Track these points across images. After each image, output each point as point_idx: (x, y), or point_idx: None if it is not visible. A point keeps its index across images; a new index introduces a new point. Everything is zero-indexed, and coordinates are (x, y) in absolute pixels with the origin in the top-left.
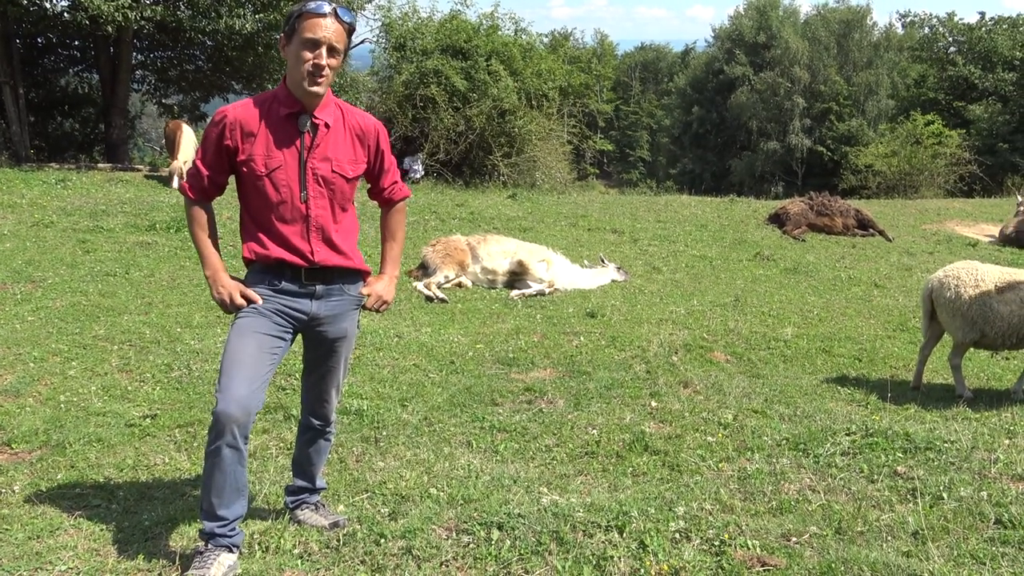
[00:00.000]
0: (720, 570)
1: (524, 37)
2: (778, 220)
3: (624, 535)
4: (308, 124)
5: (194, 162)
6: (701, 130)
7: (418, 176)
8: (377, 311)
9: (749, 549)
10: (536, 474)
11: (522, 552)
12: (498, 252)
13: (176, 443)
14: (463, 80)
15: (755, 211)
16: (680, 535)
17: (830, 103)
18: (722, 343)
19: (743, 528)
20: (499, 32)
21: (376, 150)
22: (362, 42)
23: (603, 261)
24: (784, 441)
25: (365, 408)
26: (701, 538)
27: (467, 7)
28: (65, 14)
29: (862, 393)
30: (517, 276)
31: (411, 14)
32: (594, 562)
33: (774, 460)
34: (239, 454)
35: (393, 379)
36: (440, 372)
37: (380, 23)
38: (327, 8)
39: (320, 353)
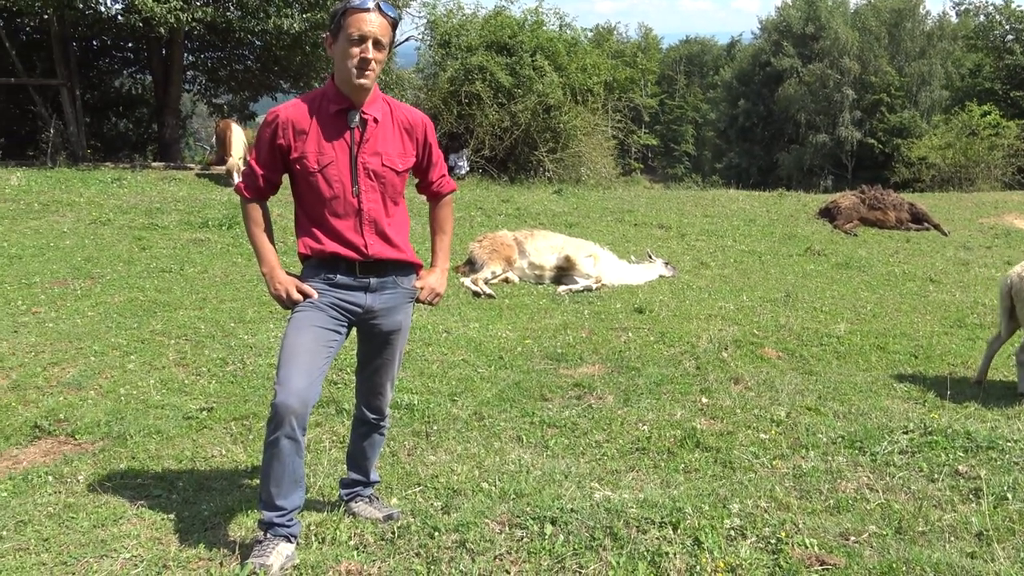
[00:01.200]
0: (778, 568)
1: (569, 32)
2: (829, 214)
3: (678, 532)
4: (357, 119)
5: (248, 162)
6: (747, 123)
7: (463, 172)
8: (430, 304)
9: (807, 548)
10: (587, 469)
11: (576, 547)
12: (545, 247)
13: (232, 435)
14: (508, 76)
15: (804, 205)
16: (735, 532)
17: (881, 94)
18: (773, 339)
19: (800, 526)
20: (544, 27)
21: (424, 143)
22: (407, 39)
23: (650, 256)
24: (839, 439)
25: (415, 403)
26: (757, 536)
27: (511, 3)
28: (119, 17)
29: (919, 391)
30: (564, 271)
31: (456, 11)
32: (649, 558)
33: (829, 458)
34: (297, 445)
35: (442, 374)
36: (489, 367)
37: (425, 20)
38: (371, 3)
39: (374, 346)
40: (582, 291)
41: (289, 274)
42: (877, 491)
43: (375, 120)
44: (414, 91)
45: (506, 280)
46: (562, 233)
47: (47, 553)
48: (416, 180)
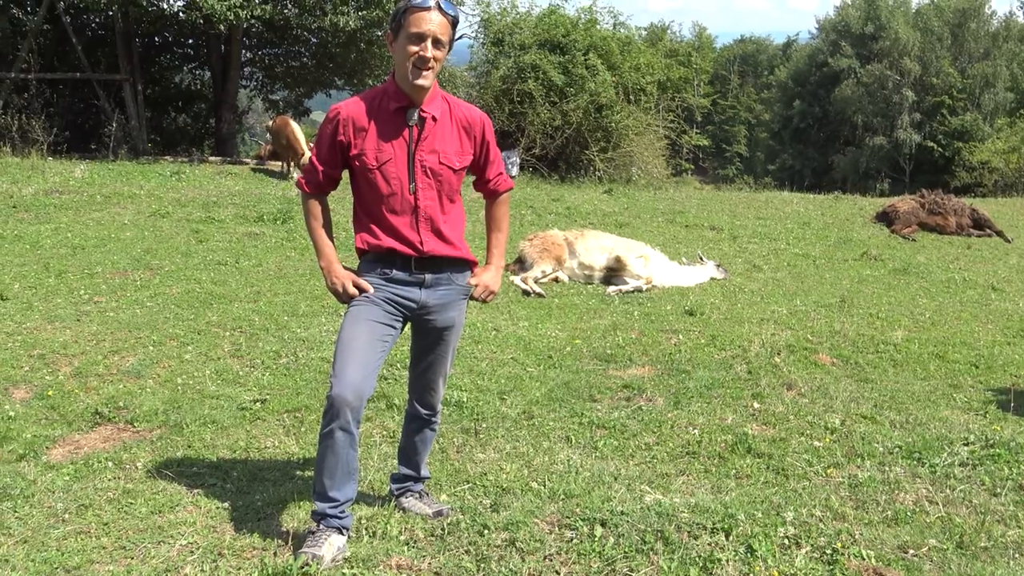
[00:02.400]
0: None
1: (623, 31)
2: (886, 218)
3: (731, 538)
4: (416, 117)
5: (311, 159)
6: (802, 125)
7: (514, 171)
8: (484, 301)
9: (863, 559)
10: (636, 472)
11: (626, 550)
12: (595, 247)
13: (285, 427)
14: (560, 75)
15: (861, 209)
16: (790, 541)
17: (942, 96)
18: (827, 345)
19: (856, 537)
20: (597, 26)
21: (482, 142)
22: (461, 37)
23: (702, 258)
24: (897, 449)
25: (465, 400)
26: (812, 545)
27: (565, 1)
28: (181, 13)
29: (980, 402)
30: (614, 272)
31: (510, 9)
32: (700, 564)
33: (886, 468)
34: (351, 437)
35: (492, 372)
36: (538, 366)
37: (479, 18)
38: (431, 2)
39: (428, 342)
40: (632, 292)
41: (346, 268)
42: (937, 504)
43: (433, 118)
44: (466, 88)
45: (556, 279)
46: (612, 233)
47: (107, 537)
48: (473, 177)
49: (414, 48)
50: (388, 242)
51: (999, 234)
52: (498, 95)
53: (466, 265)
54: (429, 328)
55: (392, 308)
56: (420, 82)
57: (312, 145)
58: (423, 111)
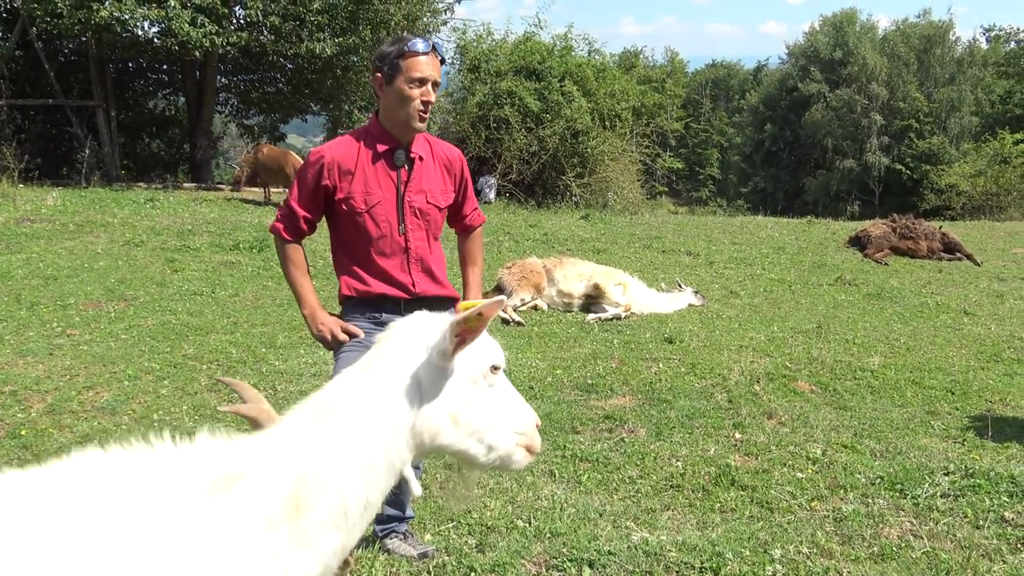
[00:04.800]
0: None
1: (597, 58)
2: (859, 243)
3: None
4: (404, 159)
5: (287, 203)
6: (774, 148)
7: (491, 195)
8: None
9: None
10: (621, 507)
11: None
12: (574, 275)
13: None
14: (536, 101)
15: (834, 233)
16: None
17: (909, 120)
18: (805, 372)
19: (844, 575)
20: (573, 53)
21: (461, 179)
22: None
23: (680, 285)
24: (879, 480)
25: None
26: None
27: (541, 28)
28: (156, 40)
29: (957, 429)
30: (593, 299)
31: (485, 36)
32: None
33: (870, 500)
34: None
35: None
36: None
37: (455, 45)
38: (427, 46)
39: None
40: (611, 319)
41: (331, 314)
42: (922, 538)
43: (420, 158)
44: (443, 115)
45: (535, 307)
46: (590, 260)
47: None
48: (449, 213)
49: (416, 92)
50: (378, 287)
51: (969, 257)
52: (474, 121)
53: (451, 303)
54: None
55: None
56: (420, 125)
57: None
58: (411, 152)
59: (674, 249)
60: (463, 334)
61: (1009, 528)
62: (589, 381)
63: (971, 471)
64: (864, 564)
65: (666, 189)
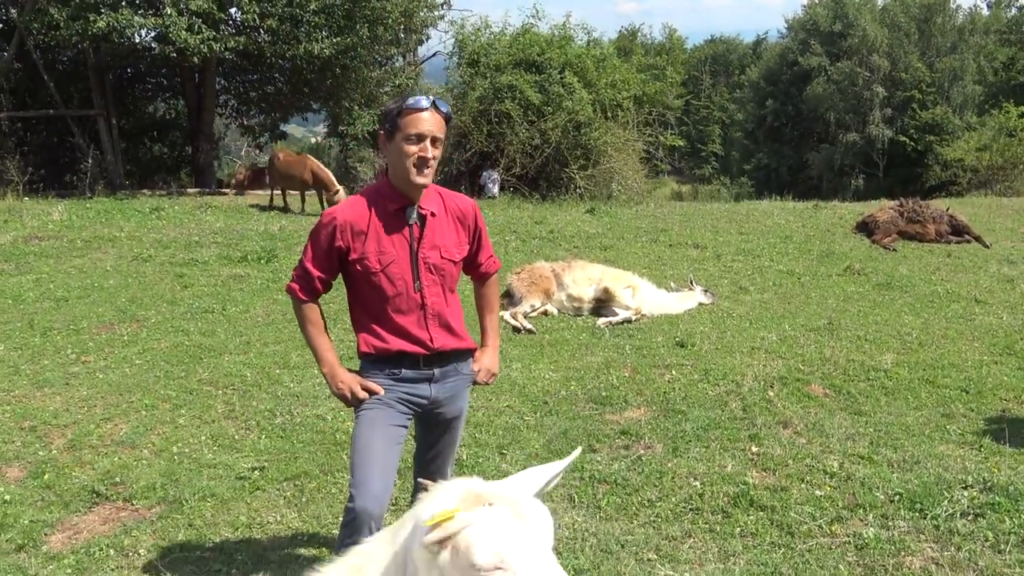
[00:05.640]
0: None
1: (597, 49)
2: (866, 228)
3: None
4: (415, 216)
5: (302, 264)
6: (776, 123)
7: (495, 190)
8: (487, 384)
9: None
10: (643, 536)
11: None
12: (583, 279)
13: (286, 498)
14: (537, 94)
15: (841, 218)
16: None
17: (912, 91)
18: (818, 374)
19: None
20: (572, 43)
21: (475, 230)
22: (434, 55)
23: (691, 283)
24: (897, 497)
25: (465, 457)
26: None
27: (539, 20)
28: (153, 46)
29: (973, 433)
30: (603, 303)
31: (483, 29)
32: None
33: (889, 522)
34: None
35: (489, 423)
36: (534, 414)
37: (453, 39)
38: (426, 103)
39: (437, 433)
40: (622, 323)
41: (350, 371)
42: (944, 567)
43: (432, 214)
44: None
45: (545, 312)
46: (597, 257)
47: None
48: (464, 262)
49: (413, 148)
50: (397, 344)
51: (978, 239)
52: (476, 116)
53: (470, 354)
54: (439, 420)
55: (404, 407)
56: (420, 181)
57: (307, 248)
58: (421, 208)
59: (681, 242)
60: (442, 542)
61: None
62: (603, 393)
63: (990, 484)
64: None
65: (669, 167)
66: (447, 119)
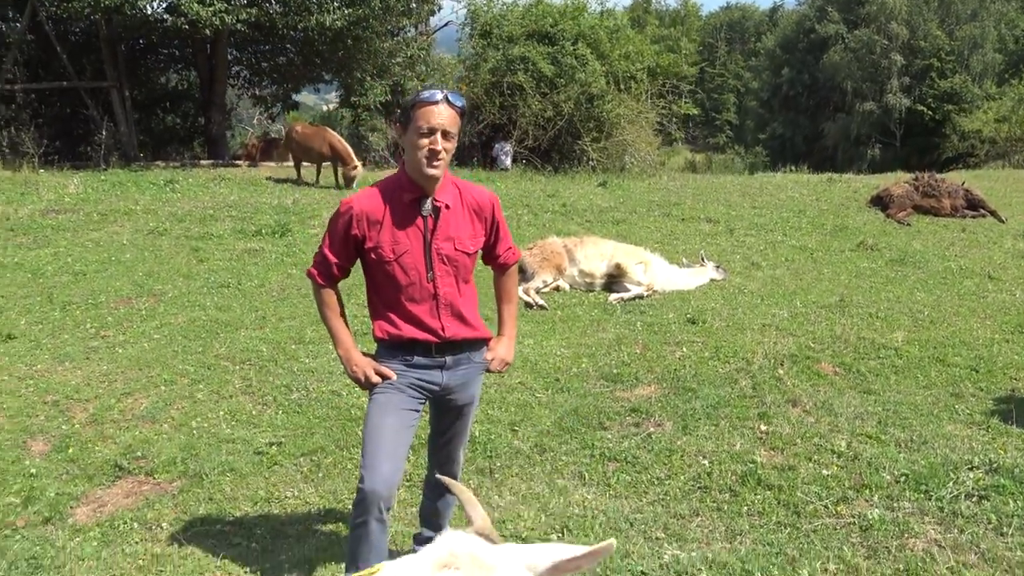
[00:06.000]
0: None
1: (611, 20)
2: (880, 202)
3: None
4: (430, 207)
5: (321, 250)
6: (792, 92)
7: (507, 162)
8: (500, 372)
9: None
10: (651, 514)
11: None
12: (595, 254)
13: (303, 473)
14: (550, 65)
15: (855, 192)
16: None
17: (931, 59)
18: (829, 352)
19: None
20: (585, 14)
21: (492, 222)
22: (446, 24)
23: (703, 259)
24: (903, 477)
25: (477, 434)
26: None
27: None
28: (165, 17)
29: (982, 413)
30: (615, 279)
31: (495, 0)
32: None
33: (895, 503)
34: (384, 525)
35: (501, 400)
36: (546, 391)
37: (465, 10)
38: (439, 96)
39: (449, 419)
40: (633, 299)
41: (365, 354)
42: (946, 550)
43: (447, 206)
44: (456, 81)
45: (557, 288)
46: (609, 231)
47: None
48: (482, 253)
49: (424, 141)
50: (409, 331)
51: (993, 214)
52: (488, 88)
53: (483, 343)
54: (450, 407)
55: (416, 392)
56: (431, 172)
57: (325, 236)
58: (436, 200)
59: (693, 216)
60: None
61: None
62: (614, 370)
63: (996, 466)
64: None
65: (682, 135)
66: (461, 113)
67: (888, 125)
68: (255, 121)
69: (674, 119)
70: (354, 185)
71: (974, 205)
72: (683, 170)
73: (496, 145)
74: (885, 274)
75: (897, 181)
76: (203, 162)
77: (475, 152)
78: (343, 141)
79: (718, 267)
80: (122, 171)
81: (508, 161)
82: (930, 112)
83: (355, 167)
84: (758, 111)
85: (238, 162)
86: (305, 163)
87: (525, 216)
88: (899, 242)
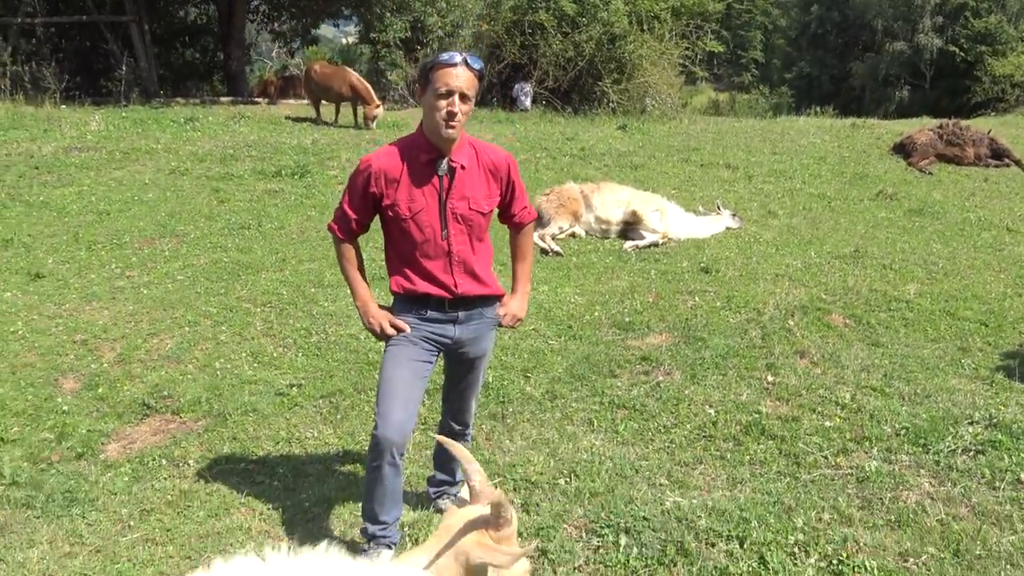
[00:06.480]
0: None
1: None
2: (903, 150)
3: (745, 547)
4: (445, 167)
5: (341, 206)
6: (820, 31)
7: (527, 104)
8: (512, 327)
9: (867, 572)
10: (656, 462)
11: (648, 561)
12: (612, 201)
13: (322, 415)
14: (572, 4)
15: (878, 138)
16: (799, 548)
17: None
18: (840, 303)
19: (861, 544)
20: None
21: (508, 182)
22: None
23: (719, 207)
24: (903, 431)
25: (491, 380)
26: (819, 554)
27: None
28: None
29: (987, 368)
30: (631, 226)
31: None
32: None
33: (892, 456)
34: (397, 469)
35: (515, 346)
36: (559, 338)
37: None
38: (458, 58)
39: (462, 371)
40: (648, 247)
41: (381, 307)
42: (938, 503)
43: (462, 167)
44: (476, 19)
45: (573, 235)
46: (627, 176)
47: (171, 545)
48: (498, 211)
49: (442, 103)
50: (423, 287)
51: (1018, 163)
52: (509, 27)
53: (496, 299)
54: (463, 359)
55: (428, 345)
56: (448, 133)
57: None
58: (452, 161)
59: (713, 162)
60: None
61: (1023, 491)
62: (627, 319)
63: (995, 421)
64: (881, 531)
65: (706, 74)
66: (479, 76)
67: (918, 66)
68: (273, 54)
69: (698, 56)
70: (374, 125)
71: (999, 154)
72: (706, 111)
73: (516, 85)
74: (902, 224)
75: (921, 128)
76: (223, 99)
77: (495, 92)
78: (363, 80)
79: (734, 215)
80: (142, 108)
81: (528, 102)
82: (962, 53)
83: (376, 106)
84: (785, 49)
85: (257, 99)
86: (325, 103)
87: (543, 160)
88: (919, 191)
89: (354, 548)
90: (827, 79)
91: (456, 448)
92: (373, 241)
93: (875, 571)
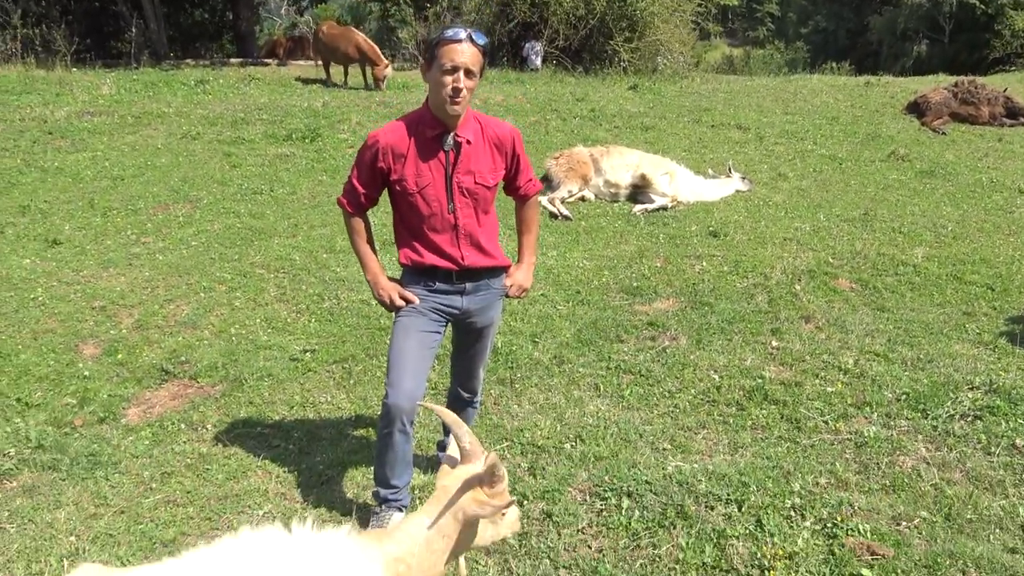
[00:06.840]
0: (831, 555)
1: None
2: (917, 109)
3: (743, 510)
4: (451, 142)
5: (350, 180)
6: None
7: (537, 62)
8: (518, 297)
9: (860, 535)
10: (660, 427)
11: (649, 523)
12: (621, 165)
13: (335, 380)
14: None
15: (892, 97)
16: (795, 512)
17: None
18: (847, 268)
19: (856, 508)
20: None
21: (513, 155)
22: None
23: (729, 170)
24: (904, 396)
25: (500, 345)
26: (815, 517)
27: None
28: None
29: (991, 333)
30: (640, 189)
31: None
32: (714, 540)
33: (891, 421)
34: (407, 436)
35: (523, 311)
36: (567, 303)
37: None
38: (463, 34)
39: (470, 340)
40: (657, 210)
41: (391, 279)
42: (933, 468)
43: (468, 141)
44: None
45: (582, 198)
46: (638, 137)
47: (192, 507)
48: (503, 184)
49: (447, 79)
50: (430, 259)
51: None
52: None
53: (502, 270)
54: (470, 329)
55: (437, 316)
56: (454, 109)
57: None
58: (457, 136)
59: (724, 123)
60: None
61: (1018, 456)
62: (634, 283)
63: (995, 386)
64: (876, 496)
65: (721, 28)
66: (484, 52)
67: (937, 19)
68: (283, 11)
69: (712, 11)
70: (384, 85)
71: (1014, 113)
72: (719, 68)
73: (526, 44)
74: (913, 186)
75: (936, 87)
76: (233, 60)
77: (504, 52)
78: (370, 41)
79: (744, 178)
80: (153, 70)
81: (538, 61)
82: (982, 6)
83: (385, 66)
84: (801, 3)
85: (267, 60)
86: (334, 64)
87: (553, 122)
88: (931, 152)
89: (366, 510)
90: (843, 33)
91: (443, 412)
92: (382, 207)
93: (868, 534)
